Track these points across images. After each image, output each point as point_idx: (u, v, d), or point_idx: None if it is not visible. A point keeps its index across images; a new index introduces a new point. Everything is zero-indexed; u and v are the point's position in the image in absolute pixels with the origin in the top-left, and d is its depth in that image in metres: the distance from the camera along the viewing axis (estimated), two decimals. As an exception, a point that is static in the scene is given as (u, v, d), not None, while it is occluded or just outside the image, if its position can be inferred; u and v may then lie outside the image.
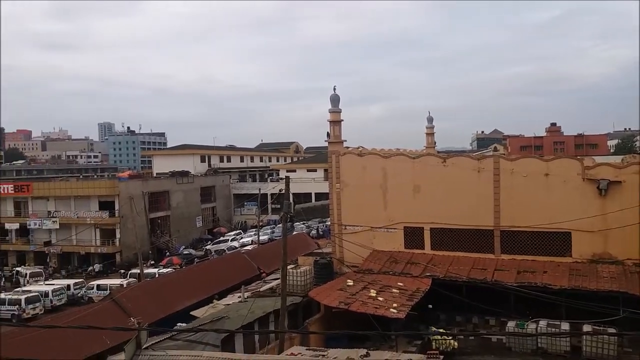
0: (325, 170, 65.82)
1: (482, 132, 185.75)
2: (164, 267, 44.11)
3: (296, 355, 15.46)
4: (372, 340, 20.35)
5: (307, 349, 16.48)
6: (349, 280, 22.85)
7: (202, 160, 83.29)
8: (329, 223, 39.67)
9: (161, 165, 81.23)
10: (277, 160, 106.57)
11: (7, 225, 55.90)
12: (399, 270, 23.94)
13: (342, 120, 28.19)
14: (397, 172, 25.87)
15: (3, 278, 46.01)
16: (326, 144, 28.55)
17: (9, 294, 37.23)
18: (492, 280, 21.96)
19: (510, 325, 20.84)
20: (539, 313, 20.93)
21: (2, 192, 56.94)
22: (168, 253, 52.41)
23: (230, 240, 54.91)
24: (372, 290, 21.47)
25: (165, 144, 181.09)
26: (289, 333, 19.59)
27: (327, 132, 28.03)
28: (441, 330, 21.69)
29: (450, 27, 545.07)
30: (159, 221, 57.80)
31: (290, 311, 21.03)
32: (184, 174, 67.31)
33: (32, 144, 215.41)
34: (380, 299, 20.68)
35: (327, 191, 28.97)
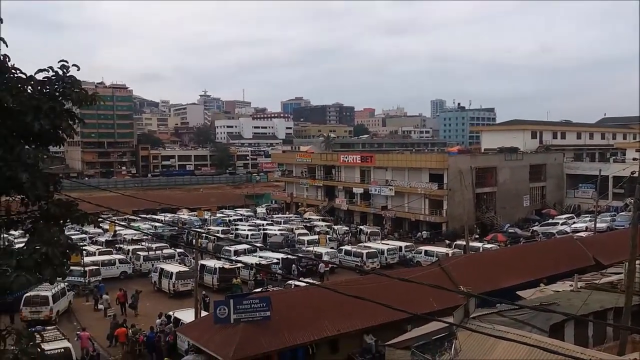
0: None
1: None
2: (487, 243, 44.21)
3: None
4: None
5: (657, 360, 14.00)
6: None
7: (533, 136, 78.95)
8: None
9: (489, 141, 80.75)
10: (624, 138, 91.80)
11: (354, 190, 65.90)
12: None
13: None
14: None
15: (350, 233, 54.39)
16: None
17: (354, 248, 43.68)
18: None
19: None
20: None
21: (352, 161, 67.55)
22: (479, 230, 52.00)
23: (561, 224, 50.73)
24: None
25: (494, 119, 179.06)
26: (632, 335, 16.99)
27: None
28: None
29: None
30: (485, 196, 57.86)
31: (634, 312, 18.17)
32: (513, 150, 65.23)
33: (375, 121, 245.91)
34: None
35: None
